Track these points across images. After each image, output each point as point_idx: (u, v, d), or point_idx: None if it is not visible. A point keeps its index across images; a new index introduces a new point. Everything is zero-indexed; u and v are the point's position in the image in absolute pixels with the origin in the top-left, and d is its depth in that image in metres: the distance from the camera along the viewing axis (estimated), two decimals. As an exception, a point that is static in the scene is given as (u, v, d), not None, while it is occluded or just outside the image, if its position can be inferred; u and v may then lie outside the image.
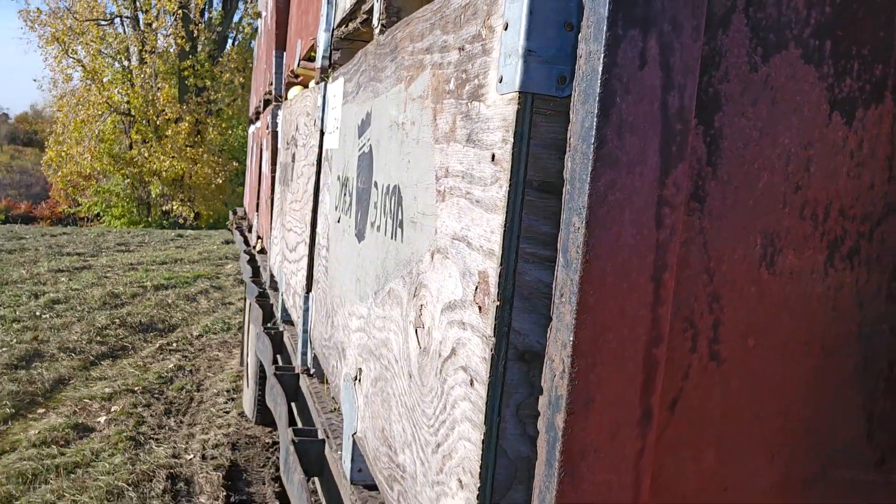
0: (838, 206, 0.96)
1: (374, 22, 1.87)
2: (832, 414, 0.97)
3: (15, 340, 7.37)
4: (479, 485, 1.02)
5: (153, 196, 23.84)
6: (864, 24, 0.94)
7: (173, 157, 22.70)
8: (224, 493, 4.61)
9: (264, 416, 5.45)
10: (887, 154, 0.97)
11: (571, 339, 0.84)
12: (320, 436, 2.36)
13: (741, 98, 0.90)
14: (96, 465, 4.82)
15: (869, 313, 0.98)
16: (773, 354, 0.94)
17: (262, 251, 5.80)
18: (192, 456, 5.19)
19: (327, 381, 2.55)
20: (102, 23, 24.29)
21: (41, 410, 5.85)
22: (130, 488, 4.52)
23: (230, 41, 26.26)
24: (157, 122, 23.38)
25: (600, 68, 0.81)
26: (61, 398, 6.10)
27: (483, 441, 1.01)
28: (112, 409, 5.91)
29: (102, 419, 5.69)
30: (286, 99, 4.30)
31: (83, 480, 4.58)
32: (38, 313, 8.56)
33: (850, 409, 0.99)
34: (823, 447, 0.98)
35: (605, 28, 0.80)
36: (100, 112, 23.27)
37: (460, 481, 1.08)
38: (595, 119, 0.81)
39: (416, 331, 1.34)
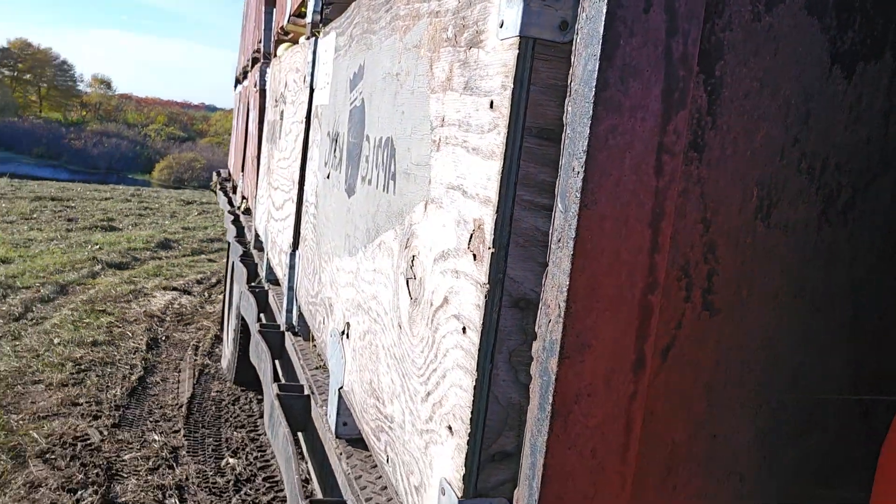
0: (835, 161, 0.96)
1: (369, -28, 1.84)
2: (820, 366, 0.98)
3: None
4: (469, 431, 1.02)
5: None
6: (869, -24, 0.93)
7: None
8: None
9: (243, 374, 5.46)
10: (884, 110, 0.98)
11: (567, 283, 0.84)
12: (305, 391, 2.36)
13: (743, 47, 0.90)
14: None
15: (860, 268, 0.99)
16: (764, 306, 0.95)
17: (247, 212, 5.76)
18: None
19: (313, 338, 2.55)
20: None
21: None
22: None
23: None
24: None
25: (604, 9, 0.80)
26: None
27: (475, 388, 1.01)
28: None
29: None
30: (276, 56, 4.24)
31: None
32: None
33: (838, 362, 1.00)
34: (809, 399, 1.00)
35: (611, -33, 0.79)
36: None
37: (450, 428, 1.09)
38: (598, 62, 0.81)
39: (407, 281, 1.34)
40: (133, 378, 5.63)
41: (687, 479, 0.93)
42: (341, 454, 1.83)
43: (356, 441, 1.84)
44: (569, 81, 0.89)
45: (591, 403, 0.86)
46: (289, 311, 2.84)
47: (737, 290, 0.93)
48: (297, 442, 2.34)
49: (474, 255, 1.04)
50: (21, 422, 4.56)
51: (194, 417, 5.09)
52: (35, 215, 13.02)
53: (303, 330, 2.74)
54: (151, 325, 6.96)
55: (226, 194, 7.99)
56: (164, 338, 6.81)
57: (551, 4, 0.93)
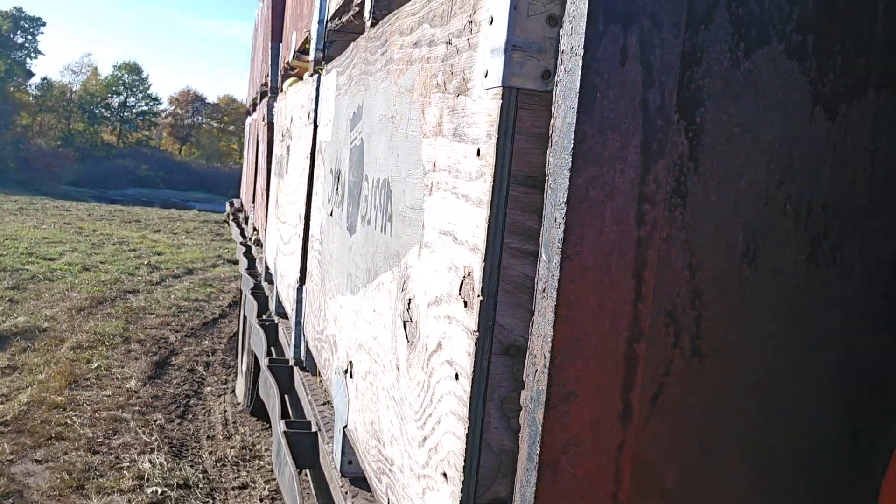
0: (821, 202, 0.96)
1: (366, 14, 1.87)
2: (814, 408, 0.98)
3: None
4: (463, 478, 1.02)
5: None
6: (847, 18, 0.94)
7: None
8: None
9: (257, 406, 5.46)
10: (870, 149, 0.98)
11: (552, 333, 0.84)
12: (313, 428, 2.36)
13: (723, 94, 0.90)
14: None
15: (852, 310, 0.99)
16: (755, 349, 0.95)
17: (258, 243, 5.80)
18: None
19: (320, 373, 2.56)
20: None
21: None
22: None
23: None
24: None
25: (580, 64, 0.81)
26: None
27: (467, 435, 1.01)
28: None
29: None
30: (282, 91, 4.30)
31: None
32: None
33: (832, 407, 0.99)
34: (804, 444, 0.99)
35: (584, 24, 0.80)
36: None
37: (445, 475, 1.09)
38: (575, 115, 0.81)
39: (404, 324, 1.34)
40: (209, 318, 8.75)
41: (679, 528, 0.92)
42: (346, 493, 1.83)
43: (361, 480, 1.84)
44: (550, 132, 0.90)
45: (578, 453, 0.86)
46: (296, 346, 2.85)
47: (726, 334, 0.93)
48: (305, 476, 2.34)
49: (465, 302, 1.04)
50: (133, 329, 7.67)
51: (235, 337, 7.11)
52: (195, 230, 17.77)
53: (310, 365, 2.75)
54: (237, 296, 8.66)
55: (238, 225, 8.06)
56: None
57: (533, 55, 0.94)
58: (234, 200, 10.44)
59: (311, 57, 2.75)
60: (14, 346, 6.21)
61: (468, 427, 1.01)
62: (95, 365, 6.09)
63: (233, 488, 4.43)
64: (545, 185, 0.89)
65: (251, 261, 5.62)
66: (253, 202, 6.39)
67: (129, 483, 4.14)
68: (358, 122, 1.89)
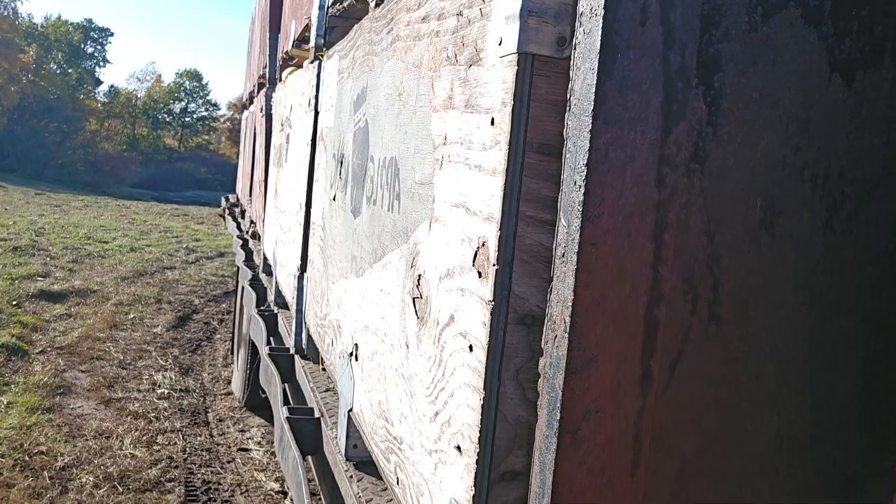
0: (837, 169, 0.96)
1: (370, -4, 1.86)
2: (830, 374, 0.97)
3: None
4: (478, 450, 1.02)
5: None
6: (865, -16, 0.94)
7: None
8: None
9: (253, 398, 5.45)
10: (886, 116, 0.97)
11: (572, 297, 0.83)
12: (316, 414, 2.35)
13: (741, 58, 0.90)
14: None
15: (867, 275, 0.98)
16: (772, 316, 0.94)
17: (255, 236, 5.78)
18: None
19: (322, 361, 2.55)
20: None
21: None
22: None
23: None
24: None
25: (601, 24, 0.80)
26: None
27: (482, 406, 1.01)
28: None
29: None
30: (280, 81, 4.28)
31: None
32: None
33: (848, 373, 0.99)
34: (820, 409, 0.98)
35: (606, -18, 0.80)
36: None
37: (459, 448, 1.08)
38: (596, 76, 0.81)
39: (413, 301, 1.34)
40: (230, 289, 9.40)
41: (698, 494, 0.91)
42: (352, 477, 1.82)
43: (366, 464, 1.83)
44: (568, 96, 0.89)
45: (599, 419, 0.86)
46: (298, 334, 2.83)
47: (743, 300, 0.93)
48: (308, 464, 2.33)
49: (479, 273, 1.03)
50: (165, 294, 9.21)
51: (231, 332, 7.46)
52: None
53: (312, 353, 2.74)
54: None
55: (234, 219, 8.03)
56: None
57: (549, 21, 0.93)
58: (230, 196, 10.47)
59: (312, 44, 2.73)
60: (71, 301, 8.05)
61: (483, 398, 1.00)
62: (131, 316, 7.93)
63: (220, 394, 6.08)
64: (563, 150, 0.89)
65: (248, 253, 5.60)
66: (250, 195, 6.37)
67: (146, 386, 5.89)
68: (362, 104, 1.87)
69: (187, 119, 55.32)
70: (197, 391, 6.00)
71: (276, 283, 3.62)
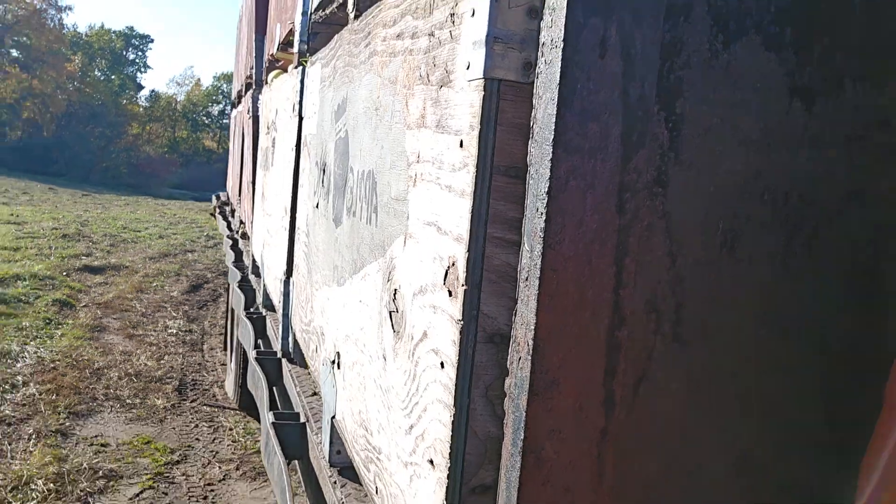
0: (798, 192, 0.98)
1: (349, 6, 1.87)
2: (792, 398, 1.00)
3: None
4: (449, 465, 1.04)
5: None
6: (824, 11, 0.95)
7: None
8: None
9: (246, 399, 5.46)
10: (846, 141, 0.99)
11: (535, 321, 0.85)
12: (302, 419, 2.37)
13: (702, 84, 0.91)
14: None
15: (828, 297, 1.00)
16: (734, 336, 0.97)
17: (245, 236, 5.78)
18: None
19: (308, 365, 2.57)
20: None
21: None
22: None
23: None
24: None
25: (560, 56, 0.82)
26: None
27: (453, 422, 1.03)
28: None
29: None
30: (267, 83, 4.28)
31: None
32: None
33: (810, 395, 1.01)
34: (783, 431, 1.01)
35: (564, 16, 0.81)
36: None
37: (432, 462, 1.10)
38: (556, 106, 0.83)
39: (390, 314, 1.35)
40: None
41: (661, 511, 0.94)
42: (335, 483, 1.84)
43: (349, 469, 1.85)
44: (531, 124, 0.91)
45: (562, 440, 0.88)
46: (284, 338, 2.85)
47: (706, 322, 0.95)
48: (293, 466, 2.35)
49: (449, 292, 1.05)
50: (184, 270, 10.83)
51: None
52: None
53: (298, 357, 2.76)
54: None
55: (224, 218, 8.03)
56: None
57: (515, 47, 0.95)
58: (221, 194, 10.52)
59: (296, 49, 2.74)
60: (107, 273, 10.35)
61: (454, 414, 1.02)
62: (154, 284, 10.08)
63: (214, 335, 8.01)
64: (527, 176, 0.91)
65: (238, 254, 5.60)
66: (239, 195, 6.37)
67: (160, 328, 7.99)
68: (342, 115, 1.89)
69: (225, 121, 55.17)
70: (197, 332, 8.12)
71: (264, 285, 3.63)
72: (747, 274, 0.96)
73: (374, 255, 1.49)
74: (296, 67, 2.82)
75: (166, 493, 4.11)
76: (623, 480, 0.91)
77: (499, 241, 0.99)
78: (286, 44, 3.53)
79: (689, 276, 0.94)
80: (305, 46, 2.63)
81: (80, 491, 3.97)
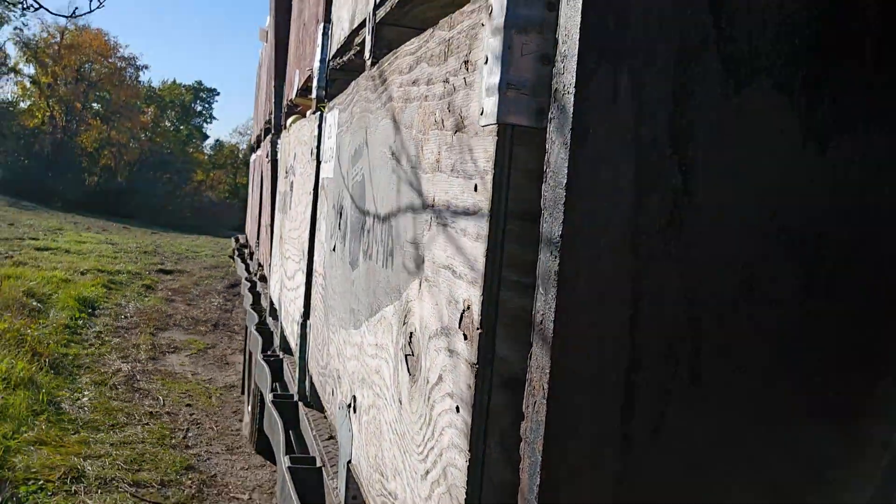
0: (814, 234, 0.98)
1: (366, 54, 1.91)
2: (813, 441, 0.98)
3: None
4: (465, 511, 1.02)
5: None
6: (835, 55, 0.96)
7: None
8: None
9: (263, 442, 5.43)
10: (861, 182, 0.99)
11: (550, 365, 0.85)
12: (318, 463, 2.35)
13: (715, 128, 0.92)
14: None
15: (848, 340, 0.99)
16: (752, 381, 0.96)
17: (263, 279, 5.82)
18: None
19: (325, 409, 2.56)
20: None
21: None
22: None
23: None
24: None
25: (573, 102, 0.83)
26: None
27: (469, 468, 1.02)
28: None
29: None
30: (285, 128, 4.35)
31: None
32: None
33: (831, 437, 0.99)
34: (805, 474, 0.99)
35: (576, 63, 0.83)
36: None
37: (448, 508, 1.09)
38: (569, 150, 0.84)
39: (405, 358, 1.35)
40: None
41: (681, 559, 0.92)
42: (351, 529, 1.82)
43: (365, 515, 1.83)
44: (544, 168, 0.92)
45: (579, 484, 0.87)
46: (301, 381, 2.85)
47: (724, 365, 0.94)
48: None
49: (465, 335, 1.05)
50: (227, 275, 13.91)
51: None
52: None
53: (315, 400, 2.75)
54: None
55: (243, 260, 8.09)
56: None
57: (527, 93, 0.97)
58: (239, 236, 10.85)
59: (314, 95, 2.79)
60: (174, 274, 14.05)
61: (469, 459, 1.02)
62: (206, 281, 13.52)
63: (238, 309, 10.54)
64: (540, 219, 0.91)
65: (256, 296, 5.63)
66: (257, 238, 6.42)
67: (206, 304, 11.33)
68: (359, 159, 1.91)
69: (283, 170, 57.09)
70: (229, 307, 11.21)
71: (282, 328, 3.64)
72: (766, 316, 0.95)
73: (389, 297, 1.50)
74: (314, 113, 2.87)
75: (203, 356, 8.20)
76: (642, 527, 0.89)
77: (514, 285, 0.99)
78: (304, 90, 3.59)
79: (707, 318, 0.94)
80: (323, 92, 2.67)
81: (163, 351, 8.19)
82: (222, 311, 11.00)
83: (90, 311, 9.31)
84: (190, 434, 5.58)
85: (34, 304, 8.57)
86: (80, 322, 8.60)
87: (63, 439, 4.81)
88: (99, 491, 4.17)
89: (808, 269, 0.97)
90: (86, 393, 6.01)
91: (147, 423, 5.56)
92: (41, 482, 4.13)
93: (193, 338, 8.89)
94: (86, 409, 5.67)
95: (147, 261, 15.34)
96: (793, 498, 0.98)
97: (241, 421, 6.18)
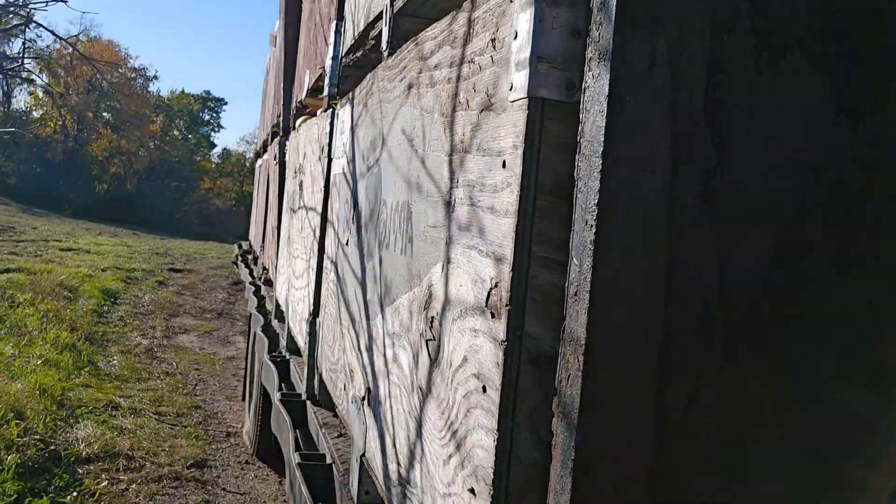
0: (846, 209, 0.97)
1: (383, 46, 1.90)
2: (849, 418, 0.97)
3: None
4: (492, 492, 1.01)
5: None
6: (867, 29, 0.96)
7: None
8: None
9: (264, 448, 5.39)
10: (893, 158, 0.98)
11: (585, 336, 0.84)
12: (328, 460, 2.34)
13: (748, 101, 0.91)
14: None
15: (881, 317, 0.98)
16: (785, 356, 0.94)
17: (268, 283, 5.80)
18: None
19: (334, 406, 2.54)
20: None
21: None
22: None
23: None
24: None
25: (609, 69, 0.82)
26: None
27: (496, 447, 1.00)
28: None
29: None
30: (294, 129, 4.35)
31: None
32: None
33: (867, 414, 0.98)
34: (837, 452, 0.98)
35: (612, 29, 0.82)
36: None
37: (473, 490, 1.07)
38: (605, 118, 0.83)
39: (426, 342, 1.34)
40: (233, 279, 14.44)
41: (716, 537, 0.90)
42: (364, 524, 1.80)
43: (379, 509, 1.81)
44: (578, 138, 0.91)
45: (613, 459, 0.85)
46: (310, 379, 2.83)
47: (756, 340, 0.93)
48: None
49: (492, 313, 1.04)
50: (231, 274, 14.67)
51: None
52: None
53: (324, 398, 2.73)
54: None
55: (247, 266, 8.08)
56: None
57: (558, 66, 0.96)
58: (242, 243, 10.85)
59: (326, 92, 2.79)
60: (184, 272, 15.07)
61: (497, 439, 1.00)
62: (212, 279, 14.43)
63: (240, 301, 11.64)
64: (574, 190, 0.90)
65: (260, 300, 5.62)
66: (262, 242, 6.42)
67: (212, 297, 12.48)
68: (375, 150, 1.91)
69: (290, 178, 57.90)
70: (232, 300, 12.24)
71: (289, 328, 3.62)
72: (798, 292, 0.94)
73: (408, 284, 1.49)
74: (325, 111, 2.87)
75: (209, 336, 9.33)
76: (676, 501, 0.88)
77: (543, 261, 0.98)
78: (314, 90, 3.59)
79: (738, 293, 0.93)
80: (335, 89, 2.67)
81: (175, 332, 9.27)
82: (226, 303, 12.35)
83: (112, 300, 10.61)
84: (197, 387, 6.96)
85: (66, 293, 9.78)
86: (105, 308, 9.90)
87: (102, 385, 6.27)
88: (131, 416, 5.64)
89: (841, 245, 0.96)
90: (115, 358, 7.38)
91: (164, 379, 6.96)
92: (90, 408, 5.58)
93: (201, 323, 10.30)
94: (116, 367, 7.07)
95: (159, 261, 16.79)
96: (827, 480, 0.97)
97: (238, 381, 7.17)
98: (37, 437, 4.65)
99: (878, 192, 0.98)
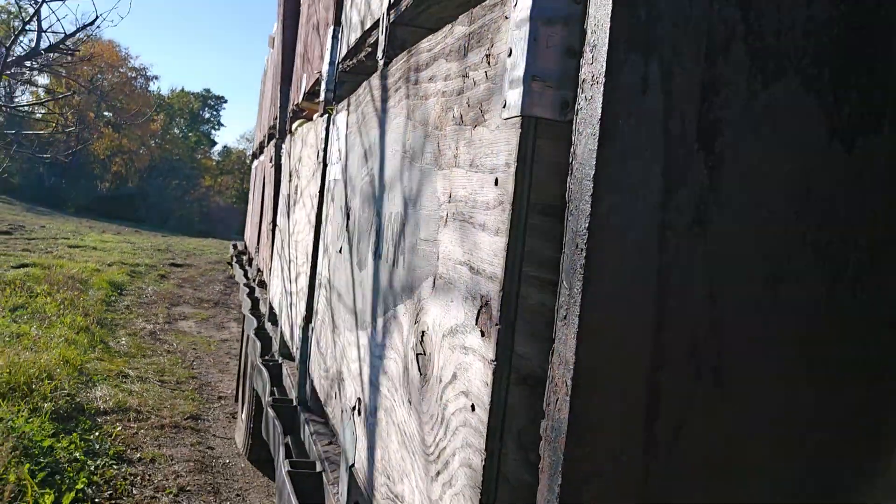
0: (839, 234, 0.96)
1: (379, 54, 1.90)
2: (837, 448, 0.96)
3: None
4: (479, 512, 1.00)
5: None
6: (862, 52, 0.95)
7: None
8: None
9: (256, 451, 5.38)
10: (886, 182, 0.98)
11: (574, 360, 0.83)
12: (318, 468, 2.33)
13: (742, 124, 0.91)
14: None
15: (873, 342, 0.98)
16: (776, 383, 0.94)
17: (262, 284, 5.79)
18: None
19: (325, 413, 2.53)
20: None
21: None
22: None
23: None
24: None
25: (602, 92, 0.82)
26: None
27: (484, 467, 1.00)
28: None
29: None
30: (290, 132, 4.34)
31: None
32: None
33: (857, 444, 0.98)
34: (830, 477, 0.97)
35: (606, 52, 0.81)
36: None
37: (460, 509, 1.06)
38: (597, 141, 0.82)
39: (417, 357, 1.33)
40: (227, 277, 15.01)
41: (703, 564, 0.89)
42: (352, 534, 1.79)
43: (368, 520, 1.80)
44: (570, 160, 0.90)
45: (601, 484, 0.85)
46: (301, 385, 2.82)
47: (747, 366, 0.92)
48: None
49: (482, 332, 1.03)
50: (226, 269, 14.94)
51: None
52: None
53: (315, 405, 2.72)
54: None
55: (241, 267, 8.06)
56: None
57: (552, 85, 0.95)
58: (238, 243, 10.90)
59: (322, 97, 2.78)
60: (183, 267, 15.71)
61: (485, 459, 0.99)
62: (210, 272, 15.17)
63: (235, 293, 11.49)
64: (566, 212, 0.90)
65: (254, 301, 5.60)
66: (257, 244, 6.40)
67: (210, 289, 13.12)
68: (369, 159, 1.90)
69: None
70: (229, 292, 12.84)
71: (281, 333, 3.61)
72: (790, 317, 0.94)
73: (400, 297, 1.48)
74: (321, 115, 2.86)
75: (206, 322, 10.18)
76: (664, 530, 0.87)
77: (534, 281, 0.98)
78: (311, 93, 3.58)
79: (730, 319, 0.92)
80: (332, 95, 2.66)
81: (176, 318, 10.12)
82: (222, 295, 13.46)
83: (119, 291, 11.69)
84: (195, 363, 8.06)
85: (77, 285, 10.92)
86: (113, 298, 10.98)
87: (113, 360, 7.48)
88: (138, 382, 6.80)
89: (834, 270, 0.96)
90: (123, 339, 8.56)
91: (166, 356, 8.14)
92: (104, 376, 6.77)
93: (199, 311, 11.29)
94: (124, 346, 8.25)
95: (160, 256, 18.07)
96: (821, 501, 0.96)
97: (230, 358, 8.21)
98: (65, 391, 5.90)
99: (872, 217, 0.97)
